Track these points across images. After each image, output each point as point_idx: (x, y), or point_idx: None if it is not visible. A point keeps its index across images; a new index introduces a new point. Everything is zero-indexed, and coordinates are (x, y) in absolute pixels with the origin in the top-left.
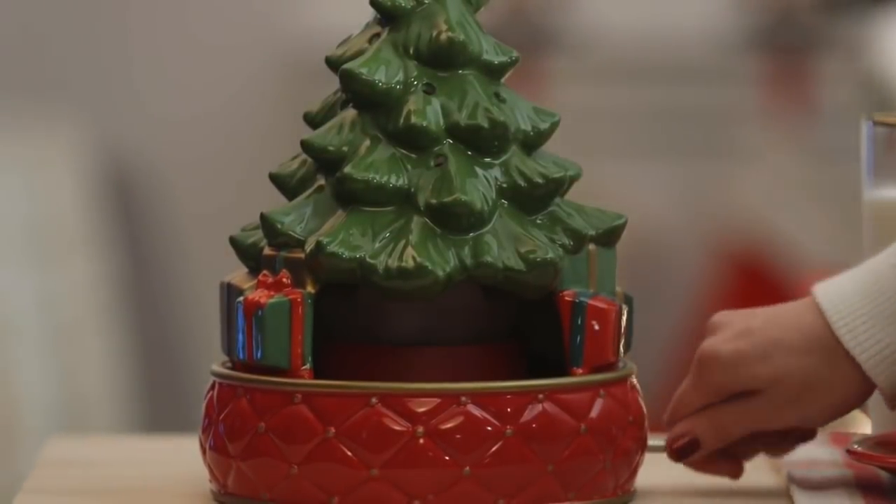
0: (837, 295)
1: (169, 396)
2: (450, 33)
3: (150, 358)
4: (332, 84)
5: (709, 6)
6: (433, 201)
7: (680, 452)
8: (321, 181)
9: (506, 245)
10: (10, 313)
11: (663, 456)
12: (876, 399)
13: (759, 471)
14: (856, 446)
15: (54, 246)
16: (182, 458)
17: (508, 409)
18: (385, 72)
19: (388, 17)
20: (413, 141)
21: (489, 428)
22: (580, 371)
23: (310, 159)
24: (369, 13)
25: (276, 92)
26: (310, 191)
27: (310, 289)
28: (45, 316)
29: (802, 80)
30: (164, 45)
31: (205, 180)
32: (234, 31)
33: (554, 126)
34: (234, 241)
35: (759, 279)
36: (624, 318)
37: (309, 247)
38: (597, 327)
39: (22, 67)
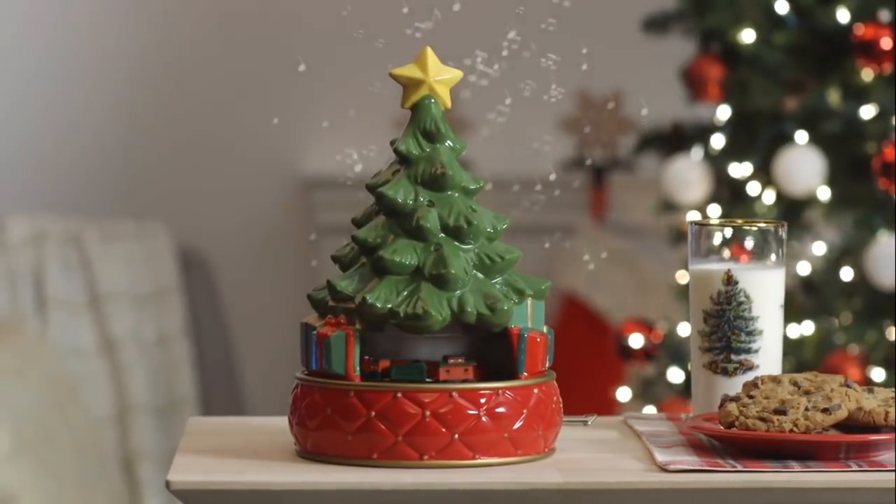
0: None
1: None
2: (443, 169)
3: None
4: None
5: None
6: (434, 272)
7: None
8: (364, 260)
9: (478, 299)
10: (128, 337)
11: (571, 426)
12: (696, 387)
13: (628, 440)
14: (685, 419)
15: (157, 292)
16: (274, 430)
17: (481, 400)
18: (402, 193)
19: (404, 159)
20: (421, 235)
21: (469, 412)
22: (524, 376)
23: (356, 246)
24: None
25: (287, 202)
26: (356, 266)
27: (358, 326)
28: (153, 340)
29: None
30: (214, 174)
31: (239, 256)
32: (259, 163)
33: (505, 227)
34: (310, 297)
35: (585, 319)
36: (549, 344)
37: (357, 300)
38: (533, 350)
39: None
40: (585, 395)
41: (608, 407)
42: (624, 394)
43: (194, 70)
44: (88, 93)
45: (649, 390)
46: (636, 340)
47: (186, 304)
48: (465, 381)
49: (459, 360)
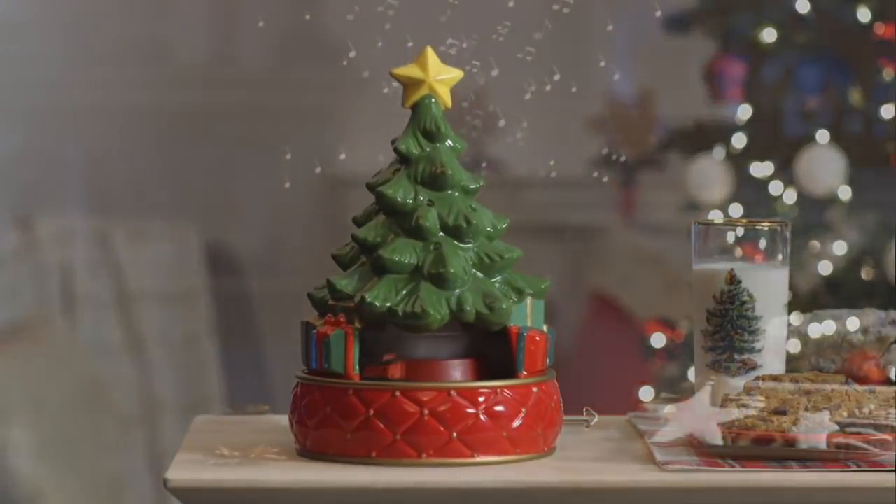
0: None
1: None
2: (443, 168)
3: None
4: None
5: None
6: (433, 271)
7: None
8: (364, 259)
9: (477, 298)
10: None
11: (572, 426)
12: (699, 387)
13: (630, 440)
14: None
15: (185, 292)
16: (274, 429)
17: (480, 399)
18: (402, 192)
19: (404, 158)
20: (420, 234)
21: (468, 410)
22: (523, 375)
23: (357, 245)
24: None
25: (317, 202)
26: (356, 265)
27: (357, 325)
28: (181, 340)
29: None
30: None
31: (267, 256)
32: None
33: (505, 227)
34: (310, 296)
35: (612, 318)
36: (549, 343)
37: (356, 300)
38: (532, 348)
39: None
40: (613, 394)
41: (632, 406)
42: (646, 393)
43: (225, 71)
44: (118, 94)
45: (671, 389)
46: (658, 340)
47: (214, 304)
48: (396, 380)
49: (390, 359)
